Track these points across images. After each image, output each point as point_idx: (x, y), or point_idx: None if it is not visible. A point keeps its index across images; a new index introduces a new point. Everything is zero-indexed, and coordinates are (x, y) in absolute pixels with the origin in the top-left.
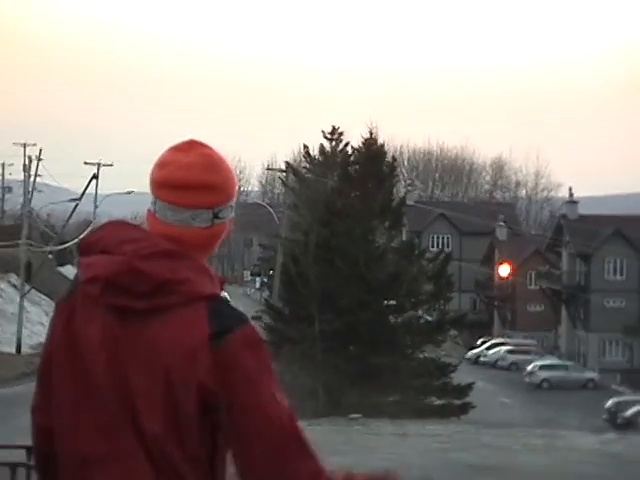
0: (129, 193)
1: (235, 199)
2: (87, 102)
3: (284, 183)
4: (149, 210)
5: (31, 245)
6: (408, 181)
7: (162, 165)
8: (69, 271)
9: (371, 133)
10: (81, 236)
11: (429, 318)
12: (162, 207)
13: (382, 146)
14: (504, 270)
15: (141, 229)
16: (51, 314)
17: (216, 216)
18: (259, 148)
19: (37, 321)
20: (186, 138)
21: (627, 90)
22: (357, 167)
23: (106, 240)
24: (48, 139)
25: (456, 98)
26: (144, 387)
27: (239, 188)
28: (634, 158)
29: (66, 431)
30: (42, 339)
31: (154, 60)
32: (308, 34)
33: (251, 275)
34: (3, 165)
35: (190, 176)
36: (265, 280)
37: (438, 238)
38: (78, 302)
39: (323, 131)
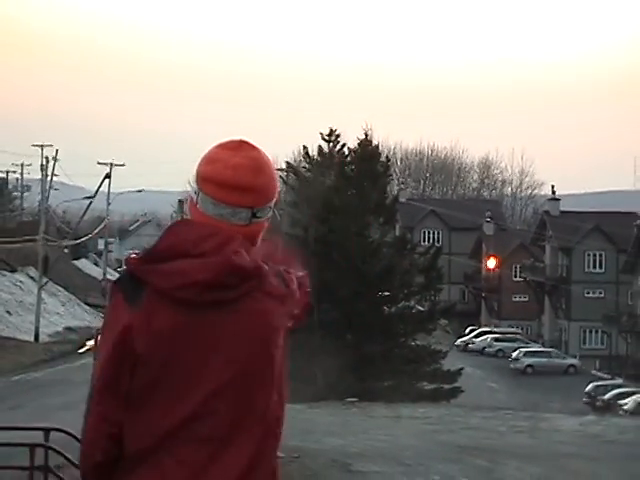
0: (139, 191)
1: (275, 200)
2: (101, 104)
3: (285, 182)
4: (191, 199)
5: (48, 240)
6: (401, 180)
7: (210, 161)
8: (83, 264)
9: (366, 135)
10: (94, 233)
11: (421, 308)
12: (205, 200)
13: (376, 147)
14: (491, 263)
15: (201, 225)
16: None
17: (254, 215)
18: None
19: (54, 311)
20: (236, 137)
21: (607, 94)
22: (353, 167)
23: (185, 243)
24: (64, 140)
25: (446, 101)
26: (256, 365)
27: (276, 195)
28: (612, 157)
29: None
30: (59, 328)
31: (165, 63)
32: (310, 45)
33: None
34: (22, 165)
35: (236, 177)
36: None
37: (429, 233)
38: (155, 307)
39: (321, 133)
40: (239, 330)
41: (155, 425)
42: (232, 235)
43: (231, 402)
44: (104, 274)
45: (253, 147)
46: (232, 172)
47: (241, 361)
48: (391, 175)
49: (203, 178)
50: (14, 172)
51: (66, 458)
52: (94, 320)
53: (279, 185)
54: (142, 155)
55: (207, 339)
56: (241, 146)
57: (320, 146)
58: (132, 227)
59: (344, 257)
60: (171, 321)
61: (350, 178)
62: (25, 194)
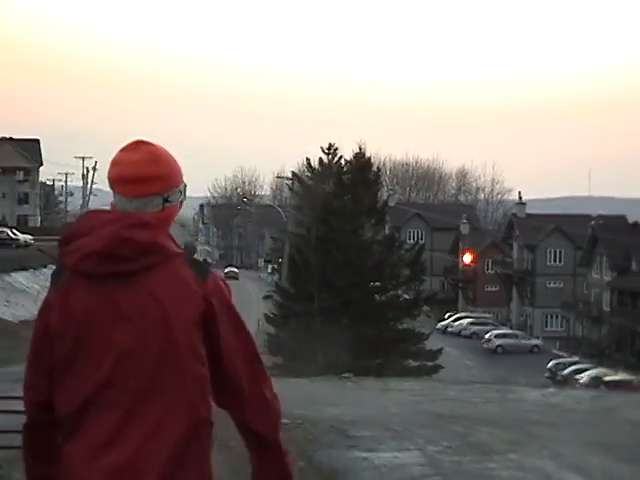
0: None
1: (182, 185)
2: (135, 121)
3: (290, 189)
4: (112, 203)
5: None
6: (390, 187)
7: (115, 164)
8: None
9: (360, 148)
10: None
11: (407, 296)
12: (120, 200)
13: (369, 159)
14: (466, 258)
15: (116, 211)
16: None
17: (166, 200)
18: (270, 160)
19: None
20: (134, 139)
21: (567, 112)
22: (349, 176)
23: (86, 226)
24: (102, 152)
25: (429, 117)
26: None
27: (183, 180)
28: (571, 168)
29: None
30: None
31: (185, 78)
32: (308, 65)
33: (264, 262)
34: (66, 174)
35: (138, 171)
36: (275, 266)
37: (414, 233)
38: (71, 287)
39: (322, 147)
40: (139, 304)
41: (76, 392)
42: (129, 214)
43: (132, 372)
44: None
45: (149, 144)
46: (134, 168)
47: (140, 334)
48: (381, 183)
49: (113, 180)
50: (59, 180)
51: None
52: None
53: (181, 171)
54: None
55: (113, 312)
56: (138, 145)
57: (321, 158)
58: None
59: (341, 253)
60: (83, 298)
61: (346, 185)
62: (69, 199)
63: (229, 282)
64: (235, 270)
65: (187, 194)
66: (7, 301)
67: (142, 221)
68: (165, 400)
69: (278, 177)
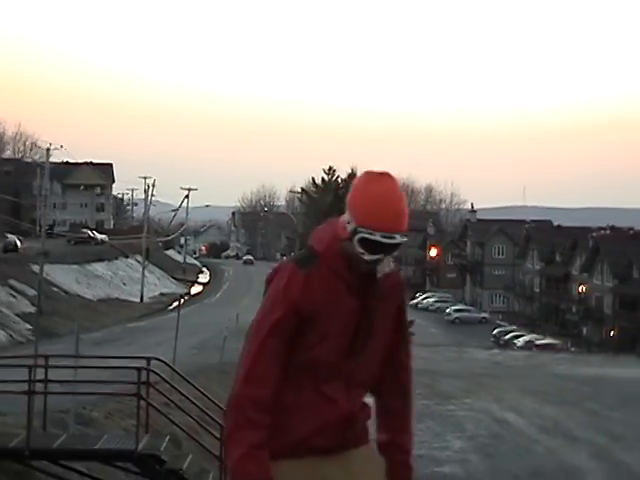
0: (207, 206)
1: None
2: (183, 144)
3: (300, 200)
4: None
5: (148, 237)
6: None
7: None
8: (171, 253)
9: (352, 169)
10: (178, 233)
11: None
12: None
13: None
14: (432, 252)
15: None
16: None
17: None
18: (285, 178)
19: (152, 282)
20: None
21: (508, 138)
22: (343, 190)
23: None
24: (159, 172)
25: (406, 143)
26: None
27: (271, 204)
28: (510, 183)
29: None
30: (155, 293)
31: (219, 114)
32: (319, 102)
33: (280, 255)
34: (132, 190)
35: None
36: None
37: None
38: (319, 274)
39: (324, 169)
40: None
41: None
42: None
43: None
44: (184, 259)
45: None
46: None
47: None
48: None
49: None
50: (127, 194)
51: (160, 377)
52: (178, 288)
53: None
54: (209, 180)
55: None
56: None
57: (323, 177)
58: (202, 230)
59: None
60: (325, 284)
61: (342, 198)
62: (134, 208)
63: (246, 266)
64: (251, 258)
65: (222, 204)
66: (88, 284)
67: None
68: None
69: (291, 191)
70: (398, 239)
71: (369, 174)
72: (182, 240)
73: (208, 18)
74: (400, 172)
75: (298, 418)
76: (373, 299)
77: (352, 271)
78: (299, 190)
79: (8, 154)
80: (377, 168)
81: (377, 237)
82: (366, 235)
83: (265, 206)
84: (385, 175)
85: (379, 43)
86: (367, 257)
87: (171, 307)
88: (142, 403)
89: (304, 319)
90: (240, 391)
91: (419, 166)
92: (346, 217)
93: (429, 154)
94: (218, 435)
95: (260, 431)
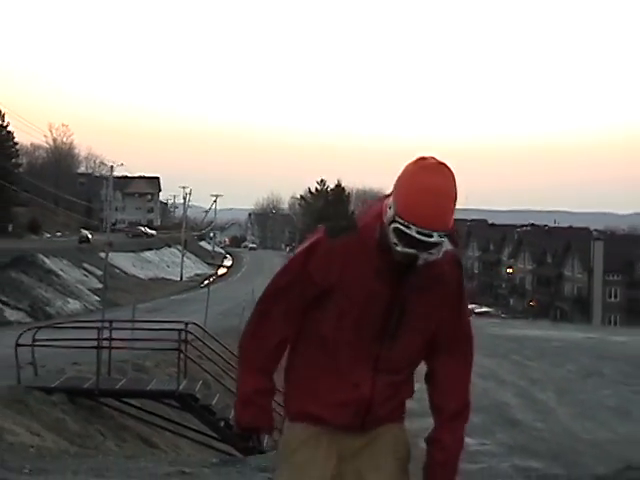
0: (230, 209)
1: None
2: (212, 161)
3: (299, 204)
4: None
5: (186, 232)
6: (356, 204)
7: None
8: (203, 244)
9: (338, 181)
10: (208, 229)
11: None
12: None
13: (343, 188)
14: None
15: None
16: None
17: None
18: (288, 188)
19: (189, 266)
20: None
21: (464, 156)
22: (332, 197)
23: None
24: (195, 182)
25: (382, 158)
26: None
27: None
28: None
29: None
30: (191, 274)
31: (234, 132)
32: (318, 122)
33: (284, 246)
34: (174, 196)
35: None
36: (291, 248)
37: None
38: (349, 244)
39: (317, 181)
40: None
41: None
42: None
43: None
44: (213, 248)
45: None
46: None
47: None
48: (351, 202)
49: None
50: (170, 199)
51: (195, 336)
52: (208, 270)
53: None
54: (232, 188)
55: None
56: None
57: (316, 187)
58: (226, 226)
59: None
60: (351, 261)
61: (331, 202)
62: (175, 210)
63: (251, 252)
64: (254, 245)
65: (241, 207)
66: (141, 267)
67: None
68: None
69: (292, 198)
70: (435, 238)
71: (423, 160)
72: (211, 234)
73: (213, 47)
74: (372, 184)
75: (313, 393)
76: (408, 289)
77: (385, 256)
78: (299, 197)
79: (82, 170)
80: (435, 155)
81: (412, 232)
82: (401, 227)
83: (273, 209)
84: (439, 166)
85: (373, 66)
86: (400, 249)
87: (203, 284)
88: (181, 356)
89: (324, 290)
90: (244, 343)
91: (385, 178)
92: (390, 200)
93: (396, 169)
94: None
95: (262, 376)
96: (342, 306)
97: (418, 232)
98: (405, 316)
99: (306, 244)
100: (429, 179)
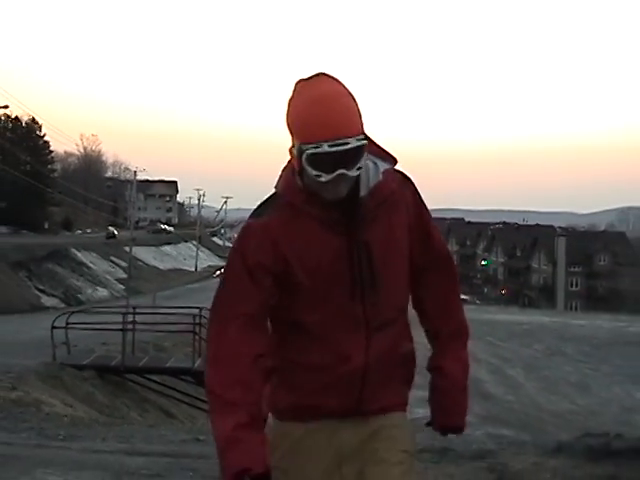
0: (237, 209)
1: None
2: (225, 166)
3: None
4: None
5: (200, 229)
6: None
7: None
8: (215, 240)
9: None
10: (219, 226)
11: None
12: None
13: None
14: None
15: None
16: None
17: None
18: None
19: (203, 258)
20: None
21: (451, 162)
22: None
23: None
24: (207, 185)
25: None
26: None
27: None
28: (438, 189)
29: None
30: (205, 265)
31: (234, 135)
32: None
33: None
34: (189, 198)
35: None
36: None
37: None
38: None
39: None
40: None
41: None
42: None
43: None
44: (224, 243)
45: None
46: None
47: None
48: None
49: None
50: (186, 200)
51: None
52: (220, 262)
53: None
54: (240, 190)
55: None
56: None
57: None
58: (235, 224)
59: None
60: (290, 227)
61: None
62: (190, 209)
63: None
64: None
65: (248, 207)
66: (161, 259)
67: None
68: None
69: None
70: (353, 143)
71: (299, 81)
72: (222, 231)
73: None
74: None
75: (300, 382)
76: (362, 229)
77: (319, 203)
78: None
79: (109, 174)
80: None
81: (325, 148)
82: (312, 150)
83: None
84: (317, 76)
85: (374, 71)
86: (324, 178)
87: (215, 274)
88: (196, 337)
89: (280, 272)
90: (208, 375)
91: None
92: (290, 143)
93: None
94: None
95: (240, 410)
96: (305, 279)
97: (331, 145)
98: (374, 259)
99: (236, 241)
100: (314, 90)
